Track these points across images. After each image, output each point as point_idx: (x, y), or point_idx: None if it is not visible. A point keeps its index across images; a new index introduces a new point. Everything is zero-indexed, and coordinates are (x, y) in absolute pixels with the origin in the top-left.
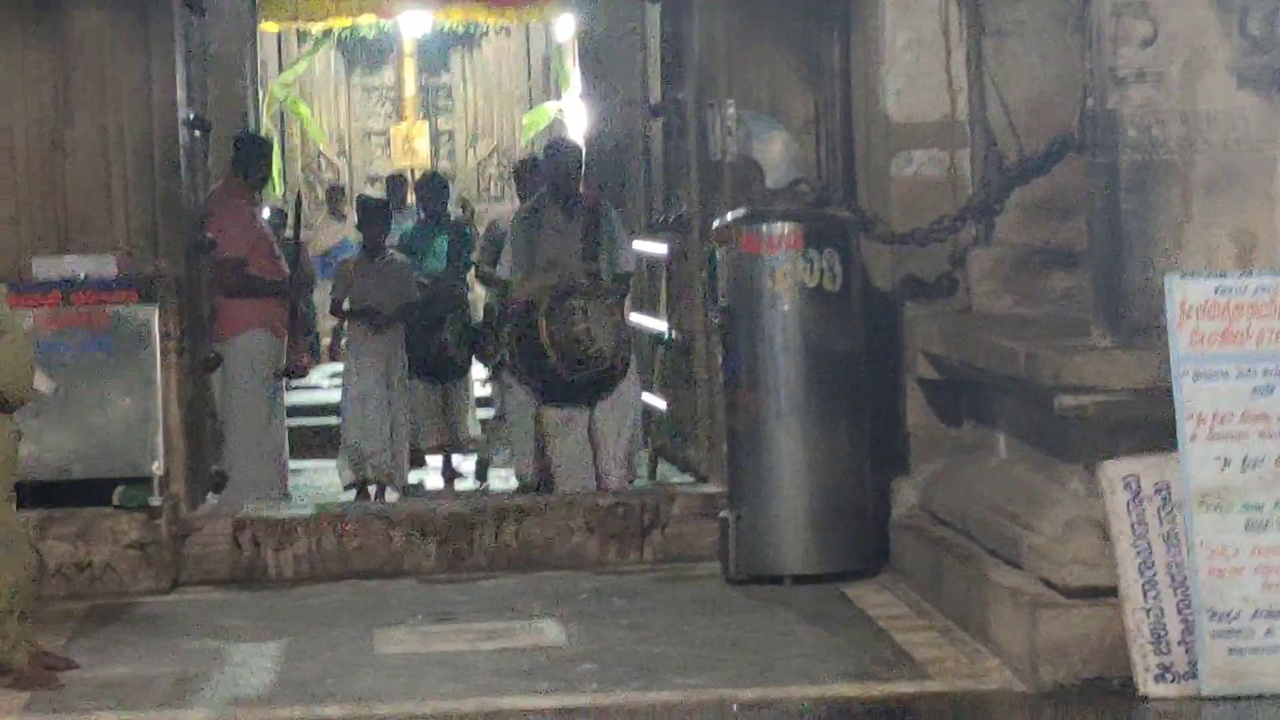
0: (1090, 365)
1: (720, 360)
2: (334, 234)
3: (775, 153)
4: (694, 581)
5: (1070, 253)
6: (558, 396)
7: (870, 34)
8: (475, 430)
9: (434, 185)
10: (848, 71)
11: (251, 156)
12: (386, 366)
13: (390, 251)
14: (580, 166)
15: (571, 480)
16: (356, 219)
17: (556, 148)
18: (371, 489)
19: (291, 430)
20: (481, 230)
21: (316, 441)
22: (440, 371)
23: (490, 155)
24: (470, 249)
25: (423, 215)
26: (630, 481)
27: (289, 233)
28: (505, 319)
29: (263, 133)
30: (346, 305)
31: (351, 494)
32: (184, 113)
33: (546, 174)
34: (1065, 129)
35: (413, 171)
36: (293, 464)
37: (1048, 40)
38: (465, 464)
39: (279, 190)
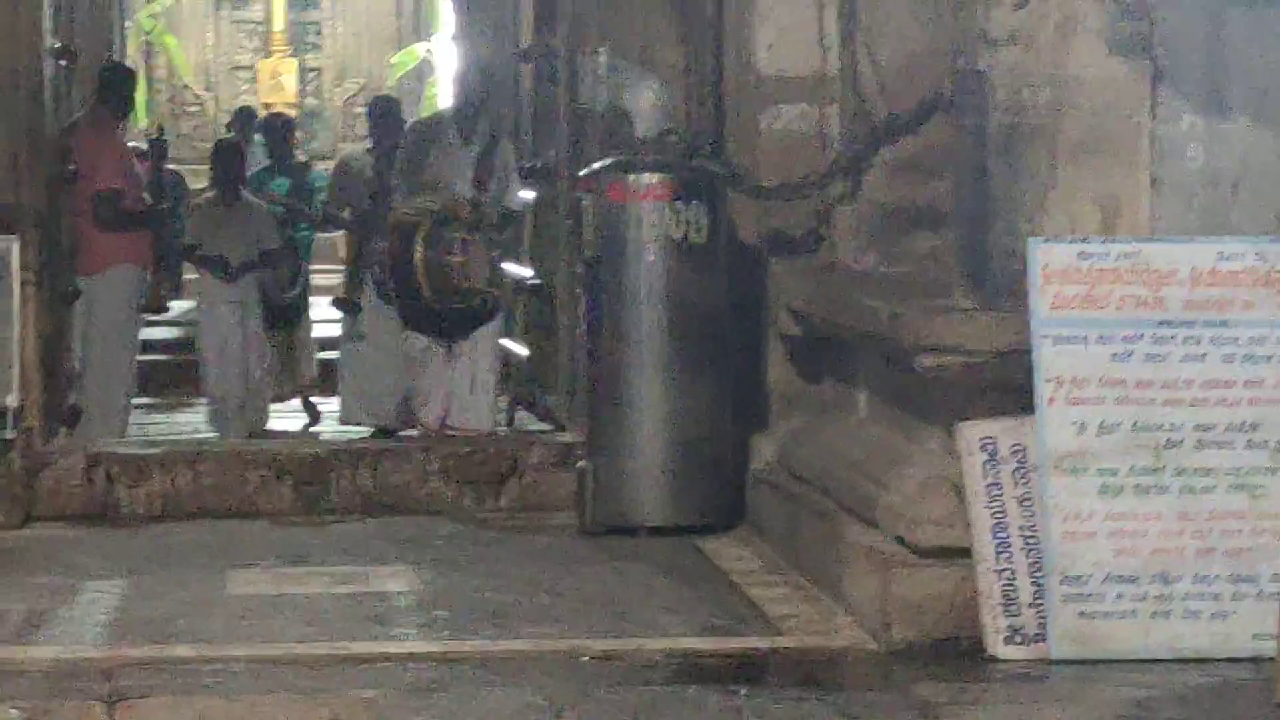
0: (951, 326)
1: (583, 310)
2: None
3: (645, 103)
4: (550, 531)
5: (936, 213)
6: (421, 324)
7: None
8: (313, 372)
9: (277, 125)
10: (720, 22)
11: (117, 87)
12: (241, 314)
13: (246, 195)
14: (485, 97)
15: (427, 410)
16: (210, 160)
17: (473, 74)
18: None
19: (148, 366)
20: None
21: (172, 379)
22: (276, 317)
23: (358, 94)
24: (311, 193)
25: (266, 157)
26: (489, 428)
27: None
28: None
29: (128, 64)
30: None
31: None
32: (50, 41)
33: (456, 93)
34: (935, 89)
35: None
36: (149, 401)
37: None
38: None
39: (143, 121)
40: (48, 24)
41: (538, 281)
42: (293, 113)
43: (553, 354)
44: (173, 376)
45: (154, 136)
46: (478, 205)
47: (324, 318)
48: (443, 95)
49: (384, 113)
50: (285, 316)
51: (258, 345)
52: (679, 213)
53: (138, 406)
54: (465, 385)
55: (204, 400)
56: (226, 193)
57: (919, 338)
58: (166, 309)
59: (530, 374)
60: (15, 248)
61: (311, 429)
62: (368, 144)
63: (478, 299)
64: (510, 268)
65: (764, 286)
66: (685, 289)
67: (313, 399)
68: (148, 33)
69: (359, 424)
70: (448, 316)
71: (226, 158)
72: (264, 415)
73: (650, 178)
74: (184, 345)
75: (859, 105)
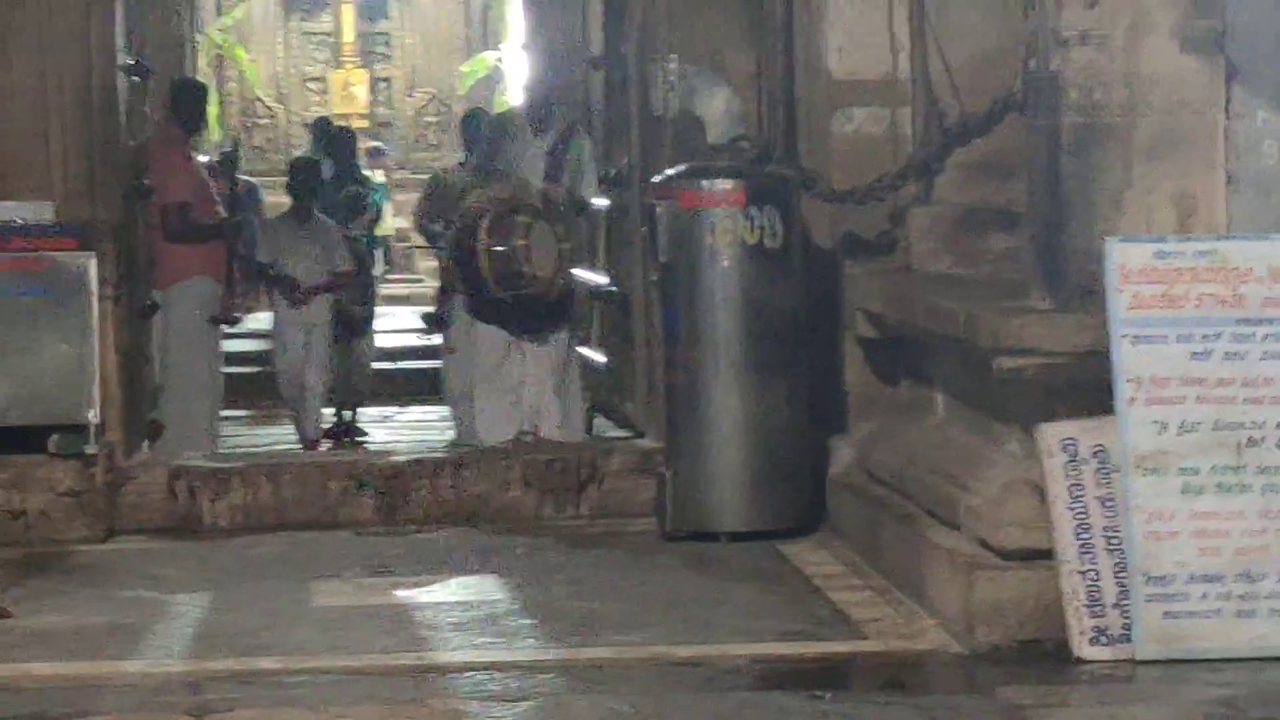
0: (1029, 327)
1: (659, 316)
2: None
3: (717, 108)
4: (631, 538)
5: (1010, 213)
6: (488, 316)
7: None
8: (369, 385)
9: (341, 137)
10: (790, 27)
11: (188, 103)
12: (308, 335)
13: (319, 215)
14: (554, 92)
15: (492, 431)
16: (286, 178)
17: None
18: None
19: (232, 378)
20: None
21: (257, 391)
22: (343, 331)
23: (428, 104)
24: (367, 206)
25: (332, 170)
26: (579, 437)
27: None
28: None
29: (198, 78)
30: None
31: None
32: (122, 58)
33: (526, 91)
34: (1007, 89)
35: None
36: (235, 413)
37: None
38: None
39: (216, 135)
40: (120, 41)
41: (614, 289)
42: (364, 123)
43: (630, 360)
44: (258, 388)
45: (227, 150)
46: (546, 195)
47: (391, 328)
48: (514, 103)
49: (477, 126)
50: (352, 330)
51: (319, 364)
52: (753, 218)
53: (225, 419)
54: (545, 393)
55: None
56: (300, 212)
57: (997, 339)
58: (238, 320)
59: (608, 381)
60: (93, 263)
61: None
62: (460, 157)
63: (544, 287)
64: (586, 274)
65: (839, 290)
66: (760, 293)
67: (356, 420)
68: (219, 46)
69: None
70: (515, 306)
71: (302, 176)
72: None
73: (723, 183)
74: (266, 357)
75: (931, 107)
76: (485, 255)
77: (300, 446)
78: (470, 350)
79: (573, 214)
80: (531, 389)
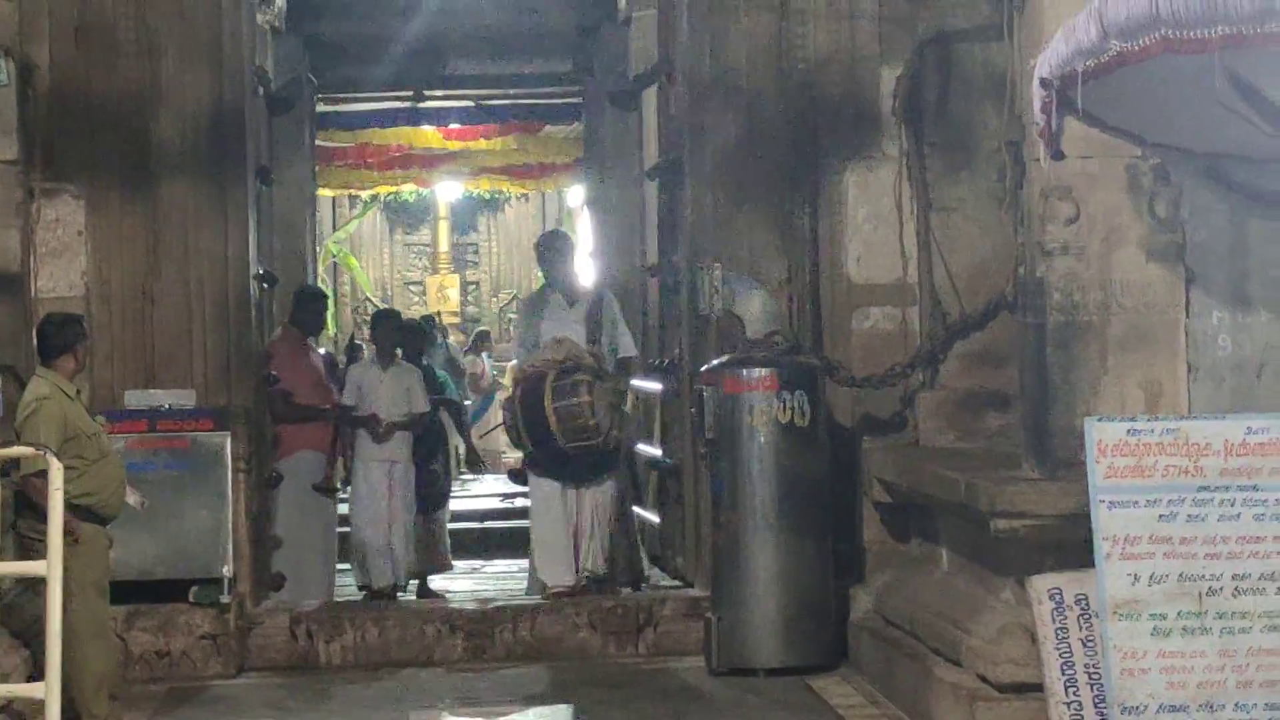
0: (1021, 494)
1: (706, 483)
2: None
3: (755, 308)
4: (682, 672)
5: (1004, 396)
6: (552, 468)
7: (836, 208)
8: (446, 557)
9: (413, 328)
10: (816, 240)
11: (308, 307)
12: (390, 473)
13: (401, 359)
14: (567, 255)
15: (551, 574)
16: (370, 331)
17: (545, 242)
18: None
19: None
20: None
21: None
22: (426, 500)
23: (510, 302)
24: (442, 387)
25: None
26: (618, 576)
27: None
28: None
29: (318, 283)
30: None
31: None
32: (254, 269)
33: (540, 263)
34: (1000, 292)
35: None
36: (344, 565)
37: (986, 215)
38: (439, 584)
39: (333, 330)
40: (252, 253)
41: (667, 460)
42: (455, 319)
43: (680, 521)
44: None
45: (349, 343)
46: (596, 356)
47: (477, 492)
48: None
49: (380, 324)
50: (433, 501)
51: (404, 508)
52: (785, 400)
53: (340, 570)
54: (600, 532)
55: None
56: (382, 356)
57: (993, 504)
58: (337, 488)
59: (662, 538)
60: (229, 442)
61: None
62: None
63: (603, 439)
64: (645, 449)
65: (858, 461)
66: (791, 464)
67: (435, 586)
68: (334, 255)
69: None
70: (574, 457)
71: (383, 325)
72: (400, 576)
73: (760, 372)
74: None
75: (935, 307)
76: (551, 412)
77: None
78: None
79: (618, 371)
80: (586, 530)
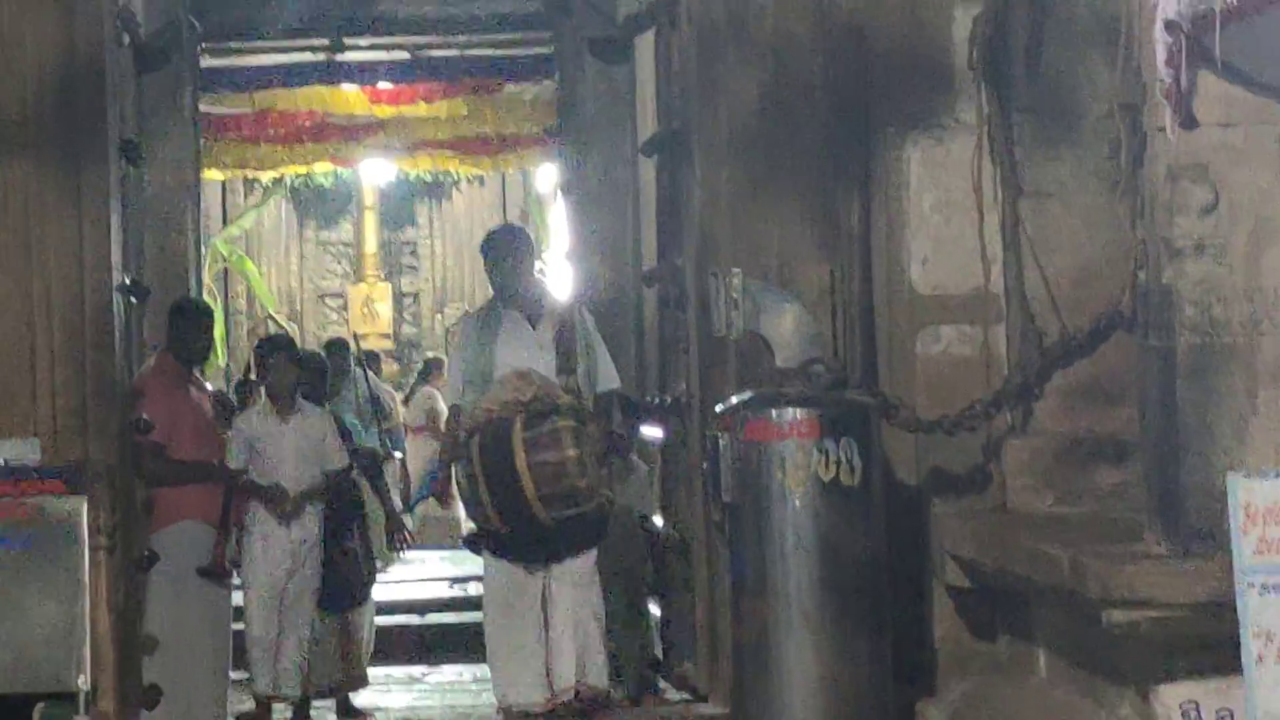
0: (1143, 576)
1: (723, 563)
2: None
3: (786, 328)
4: None
5: (1119, 444)
6: (512, 548)
7: (893, 193)
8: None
9: (314, 361)
10: (868, 235)
11: (188, 328)
12: (293, 555)
13: (303, 403)
14: (524, 257)
15: (514, 690)
16: (257, 368)
17: (496, 240)
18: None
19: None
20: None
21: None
22: (340, 595)
23: (460, 321)
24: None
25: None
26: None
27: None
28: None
29: (203, 295)
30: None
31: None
32: (119, 276)
33: (487, 272)
34: (1113, 304)
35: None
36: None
37: (1093, 203)
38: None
39: (222, 360)
40: (116, 256)
41: (671, 531)
42: (387, 343)
43: (690, 613)
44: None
45: (242, 378)
46: (571, 392)
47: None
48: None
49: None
50: (344, 590)
51: (308, 595)
52: (827, 451)
53: (236, 682)
54: (585, 628)
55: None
56: (278, 401)
57: (1105, 589)
58: (230, 571)
59: (665, 636)
60: (84, 509)
61: None
62: None
63: (593, 503)
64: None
65: (926, 532)
66: (837, 537)
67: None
68: (226, 258)
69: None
70: (558, 529)
71: (276, 359)
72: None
73: (794, 413)
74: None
75: (1027, 324)
76: (527, 474)
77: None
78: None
79: (600, 408)
80: (566, 626)
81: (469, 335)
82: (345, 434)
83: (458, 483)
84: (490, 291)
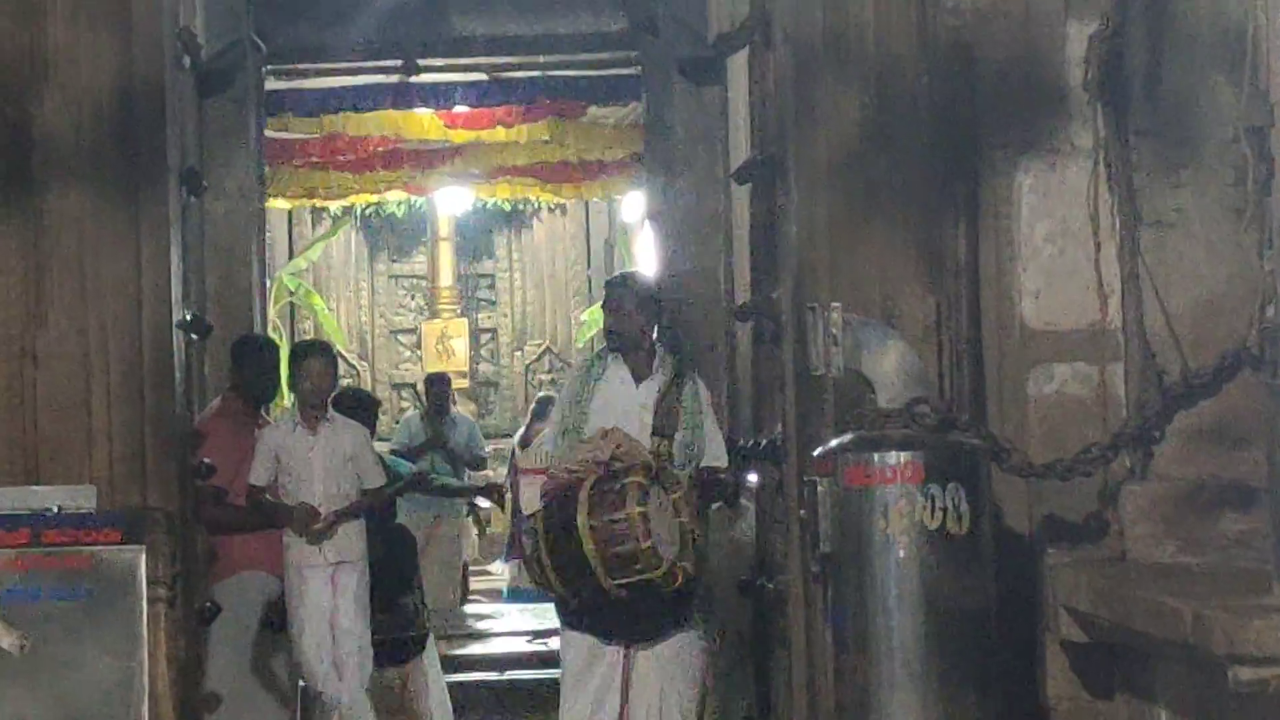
0: (1272, 630)
1: (822, 618)
2: None
3: (889, 365)
4: None
5: (1245, 489)
6: (584, 618)
7: (1003, 223)
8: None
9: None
10: (976, 267)
11: (255, 366)
12: (332, 581)
13: (334, 414)
14: (649, 308)
15: None
16: (291, 372)
17: (612, 283)
18: None
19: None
20: None
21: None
22: (398, 648)
23: (540, 358)
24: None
25: None
26: None
27: None
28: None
29: (268, 330)
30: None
31: None
32: (179, 313)
33: (610, 323)
34: (1239, 340)
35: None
36: None
37: (1217, 233)
38: None
39: (289, 400)
40: (176, 291)
41: (764, 583)
42: (463, 383)
43: (787, 672)
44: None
45: None
46: (660, 457)
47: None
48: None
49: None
50: (400, 643)
51: (356, 610)
52: (933, 497)
53: None
54: (659, 712)
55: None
56: (307, 410)
57: (1231, 644)
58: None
59: (759, 694)
60: (142, 559)
61: None
62: None
63: (663, 569)
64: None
65: (1038, 583)
66: (944, 589)
67: None
68: (292, 292)
69: None
70: (629, 601)
71: (309, 361)
72: None
73: (898, 457)
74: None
75: (1147, 362)
76: (588, 534)
77: None
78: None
79: (699, 487)
80: (643, 713)
81: (567, 388)
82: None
83: (522, 543)
84: (588, 337)
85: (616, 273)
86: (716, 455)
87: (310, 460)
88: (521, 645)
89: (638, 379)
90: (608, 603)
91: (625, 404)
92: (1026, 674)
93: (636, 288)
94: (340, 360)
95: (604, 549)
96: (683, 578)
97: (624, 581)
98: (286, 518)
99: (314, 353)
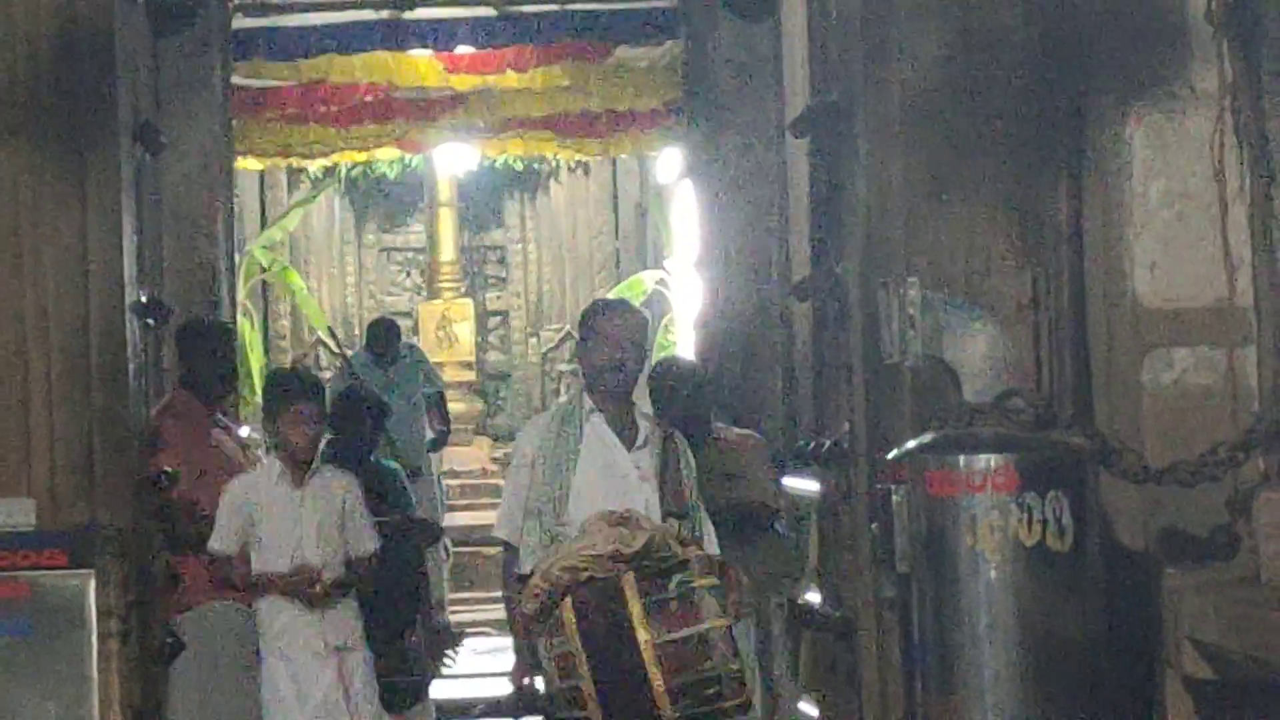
0: None
1: (899, 649)
2: None
3: (976, 352)
4: None
5: None
6: None
7: (1112, 181)
8: None
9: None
10: (1080, 235)
11: (202, 355)
12: (338, 669)
13: (326, 470)
14: (645, 347)
15: None
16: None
17: (615, 308)
18: None
19: None
20: None
21: None
22: (402, 695)
23: (560, 345)
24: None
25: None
26: None
27: None
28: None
29: (237, 313)
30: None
31: None
32: (132, 294)
33: (579, 357)
34: None
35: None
36: None
37: None
38: None
39: (257, 395)
40: (129, 268)
41: (830, 610)
42: (469, 374)
43: (857, 715)
44: None
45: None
46: (687, 542)
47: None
48: (682, 344)
49: None
50: (404, 700)
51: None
52: (1030, 508)
53: None
54: None
55: None
56: (294, 458)
57: None
58: None
59: None
60: (91, 586)
61: None
62: None
63: (740, 699)
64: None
65: (1156, 609)
66: (1043, 615)
67: None
68: (264, 269)
69: None
70: None
71: (292, 390)
72: None
73: (988, 460)
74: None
75: None
76: (650, 655)
77: None
78: None
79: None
80: None
81: (539, 445)
82: (397, 492)
83: (543, 667)
84: (568, 384)
85: (596, 301)
86: (711, 539)
87: (300, 520)
88: (537, 685)
89: (627, 443)
90: None
91: (621, 474)
92: (1143, 716)
93: (642, 319)
94: (322, 348)
95: (673, 678)
96: (743, 699)
97: (692, 714)
98: (280, 585)
99: (303, 393)
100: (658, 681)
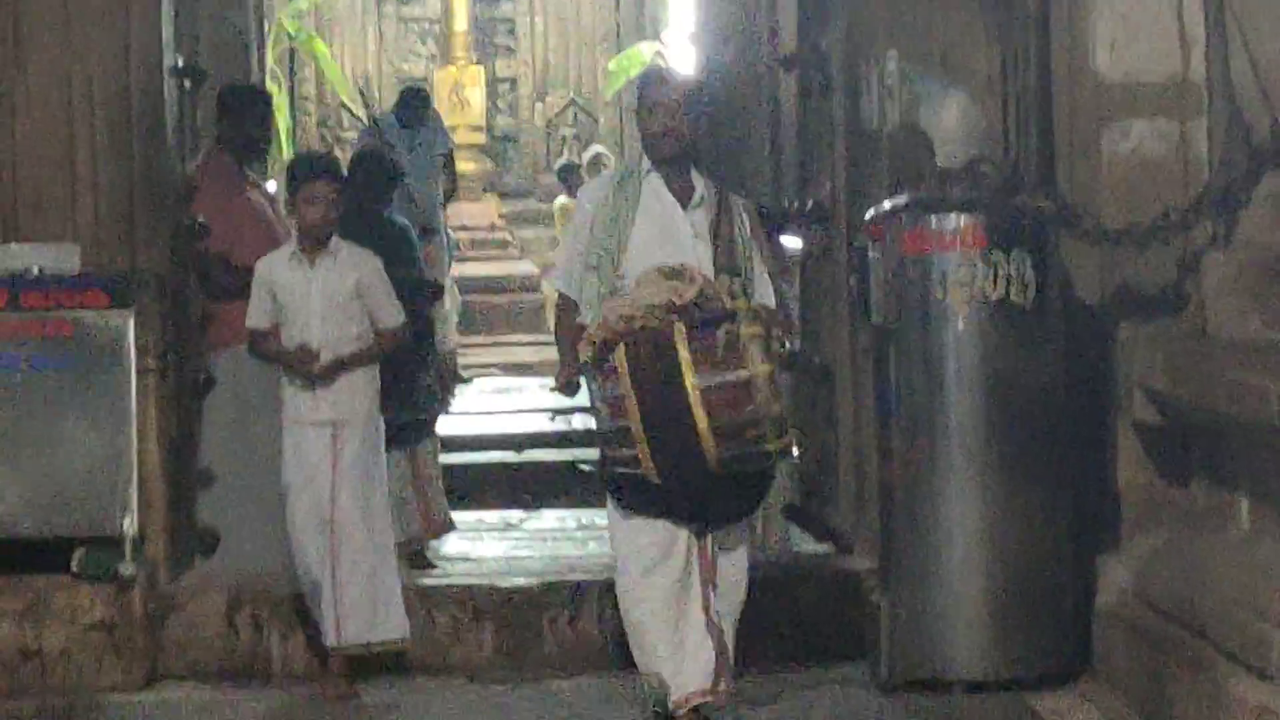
0: None
1: (872, 395)
2: None
3: (949, 121)
4: (832, 689)
5: None
6: (661, 502)
7: None
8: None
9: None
10: (1045, 14)
11: (240, 117)
12: (331, 446)
13: (338, 242)
14: (695, 110)
15: (669, 668)
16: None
17: (651, 78)
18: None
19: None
20: None
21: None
22: (410, 429)
23: (564, 111)
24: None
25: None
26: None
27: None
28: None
29: (266, 78)
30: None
31: None
32: (171, 58)
33: (640, 125)
34: None
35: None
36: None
37: None
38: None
39: (286, 153)
40: (168, 34)
41: (810, 358)
42: (478, 136)
43: (833, 452)
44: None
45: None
46: (738, 296)
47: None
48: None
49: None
50: (419, 433)
51: (353, 490)
52: (997, 265)
53: None
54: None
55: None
56: (308, 237)
57: None
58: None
59: (803, 478)
60: (130, 325)
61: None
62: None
63: (782, 442)
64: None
65: (1110, 360)
66: (1007, 365)
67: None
68: (292, 38)
69: None
70: (723, 483)
71: (312, 167)
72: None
73: (958, 220)
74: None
75: (1233, 118)
76: (699, 402)
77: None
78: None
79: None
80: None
81: (600, 204)
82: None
83: (595, 409)
84: (608, 151)
85: (650, 67)
86: (766, 295)
87: (308, 298)
88: (542, 424)
89: (682, 201)
90: (700, 481)
91: (677, 231)
92: (1096, 460)
93: (683, 82)
94: (345, 110)
95: (717, 417)
96: (783, 451)
97: (737, 455)
98: (285, 360)
99: (319, 174)
100: (702, 423)
